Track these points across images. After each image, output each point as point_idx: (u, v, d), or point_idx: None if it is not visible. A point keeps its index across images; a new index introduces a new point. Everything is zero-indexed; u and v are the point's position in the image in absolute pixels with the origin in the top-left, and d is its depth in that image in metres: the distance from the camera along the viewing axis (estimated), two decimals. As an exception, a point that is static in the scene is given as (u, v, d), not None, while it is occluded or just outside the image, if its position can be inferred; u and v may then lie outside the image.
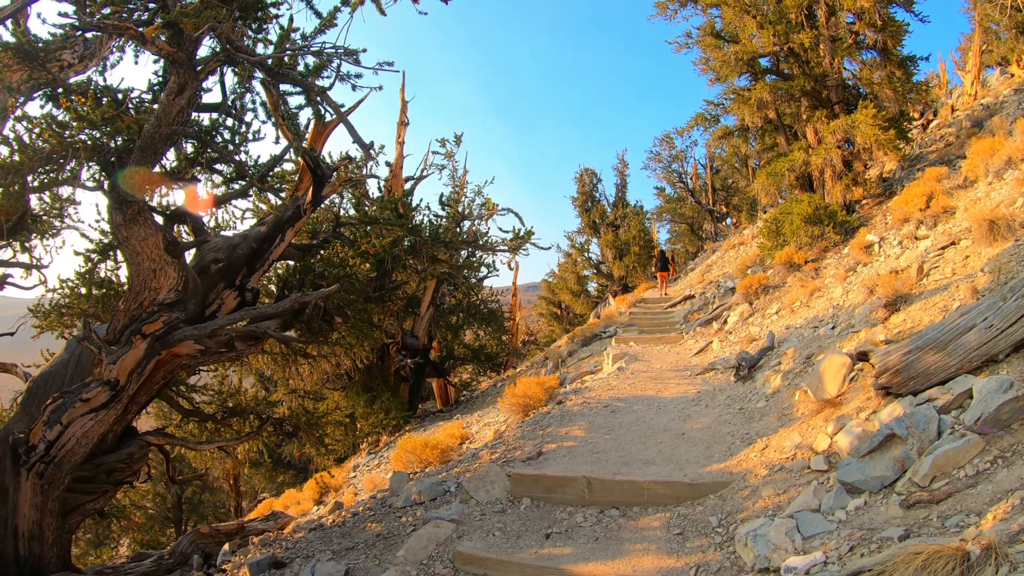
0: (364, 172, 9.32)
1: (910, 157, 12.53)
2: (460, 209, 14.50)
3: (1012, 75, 15.58)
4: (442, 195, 14.63)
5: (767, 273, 12.13)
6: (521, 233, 13.12)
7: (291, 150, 6.41)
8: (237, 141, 5.97)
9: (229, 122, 6.04)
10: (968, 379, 3.94)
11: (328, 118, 6.06)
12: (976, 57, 15.33)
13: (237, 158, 6.02)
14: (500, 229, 14.98)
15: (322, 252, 7.84)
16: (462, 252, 15.60)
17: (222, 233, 7.48)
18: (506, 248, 14.02)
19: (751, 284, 11.73)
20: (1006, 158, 7.86)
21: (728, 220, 29.64)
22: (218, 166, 6.51)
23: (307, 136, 6.17)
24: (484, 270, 16.42)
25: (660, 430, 6.23)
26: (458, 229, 14.04)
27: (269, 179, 6.83)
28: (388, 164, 14.96)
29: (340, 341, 8.58)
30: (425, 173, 16.03)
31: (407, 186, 15.16)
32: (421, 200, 26.57)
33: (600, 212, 29.10)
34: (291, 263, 7.74)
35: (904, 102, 11.84)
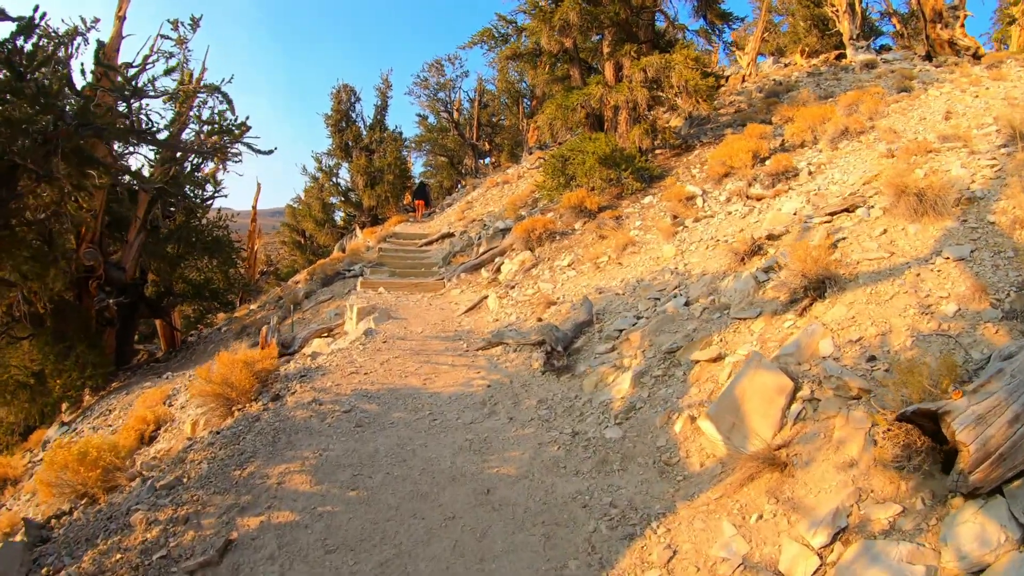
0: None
1: (699, 117, 11.74)
2: (128, 73, 9.13)
3: (787, 64, 16.50)
4: (99, 44, 8.38)
5: (548, 216, 10.17)
6: (228, 125, 8.79)
7: None
8: None
9: None
10: None
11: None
12: (756, 42, 15.84)
13: None
14: (198, 119, 9.89)
15: None
16: (185, 165, 10.76)
17: None
18: (207, 149, 9.51)
19: (533, 228, 9.60)
20: (842, 128, 6.93)
21: (487, 159, 28.01)
22: None
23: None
24: (209, 188, 12.88)
25: (445, 478, 3.40)
26: (130, 109, 8.84)
27: None
28: (100, 43, 8.57)
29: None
30: (149, 61, 10.12)
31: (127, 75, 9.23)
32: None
33: (355, 134, 24.98)
34: None
35: (721, 54, 10.83)
